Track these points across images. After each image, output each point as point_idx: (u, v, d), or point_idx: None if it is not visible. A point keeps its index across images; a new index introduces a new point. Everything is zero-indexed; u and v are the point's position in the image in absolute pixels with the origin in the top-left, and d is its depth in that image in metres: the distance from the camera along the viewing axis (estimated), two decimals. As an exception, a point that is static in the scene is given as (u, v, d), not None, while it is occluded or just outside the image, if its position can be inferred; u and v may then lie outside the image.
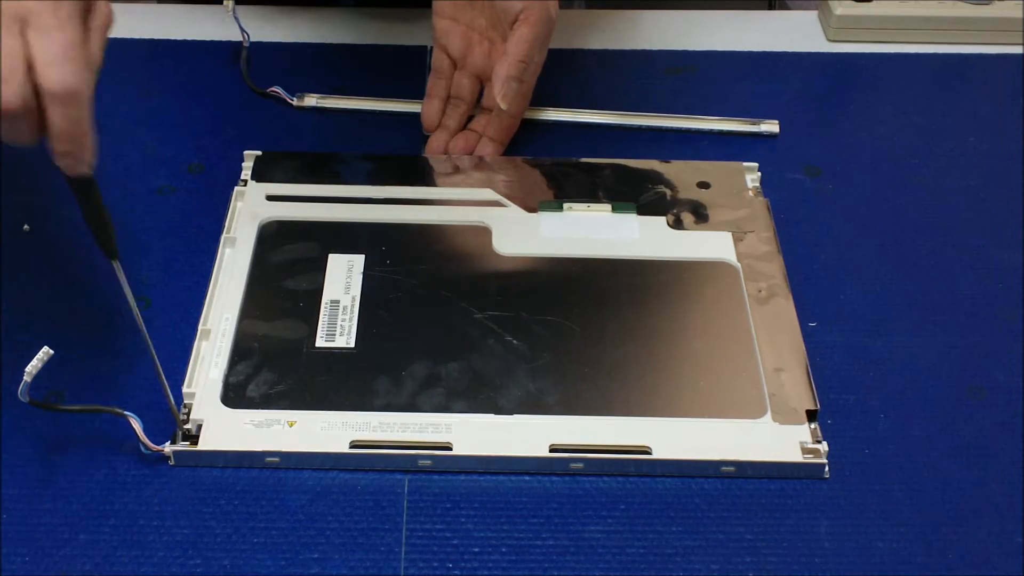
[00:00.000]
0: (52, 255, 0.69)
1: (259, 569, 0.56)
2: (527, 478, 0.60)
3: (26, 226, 0.70)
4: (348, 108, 0.81)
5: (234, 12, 0.80)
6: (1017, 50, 0.88)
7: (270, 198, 0.72)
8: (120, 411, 0.59)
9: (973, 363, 0.66)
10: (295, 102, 0.81)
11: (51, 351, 0.54)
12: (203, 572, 0.56)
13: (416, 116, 0.79)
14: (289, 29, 0.87)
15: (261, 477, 0.59)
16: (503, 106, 0.73)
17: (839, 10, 0.87)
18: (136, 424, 0.59)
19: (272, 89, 0.81)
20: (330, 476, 0.59)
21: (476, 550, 0.57)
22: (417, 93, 0.81)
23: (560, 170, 0.75)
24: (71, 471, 0.59)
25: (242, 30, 0.82)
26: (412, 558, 0.56)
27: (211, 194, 0.72)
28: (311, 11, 0.88)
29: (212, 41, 0.85)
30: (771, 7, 1.00)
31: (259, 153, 0.75)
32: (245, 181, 0.73)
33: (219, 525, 0.57)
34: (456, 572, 0.56)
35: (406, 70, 0.84)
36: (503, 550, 0.57)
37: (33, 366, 0.54)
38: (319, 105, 0.81)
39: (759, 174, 0.75)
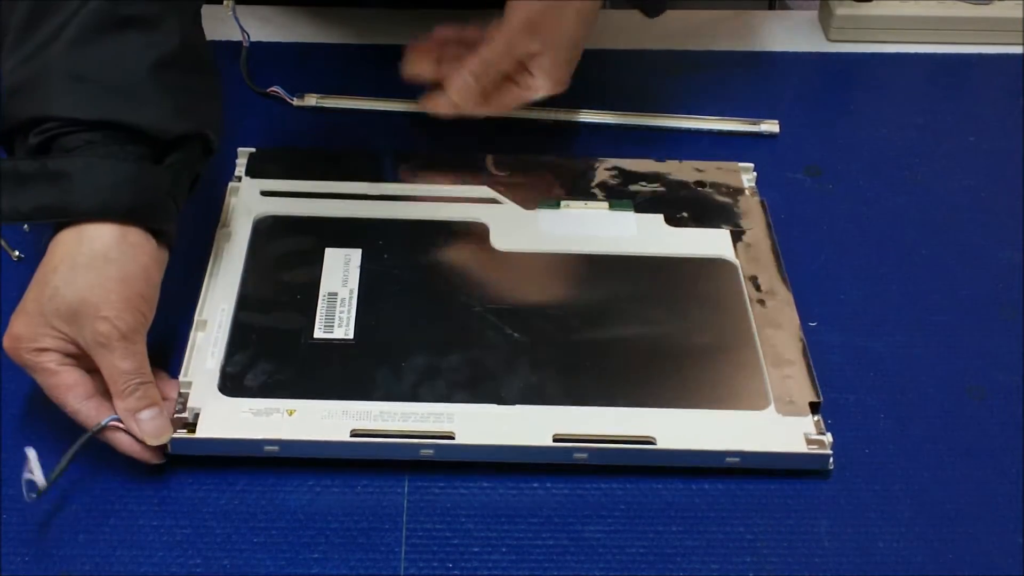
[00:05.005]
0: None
1: (259, 569, 0.56)
2: (527, 483, 0.60)
3: (26, 226, 0.70)
4: (348, 108, 0.81)
5: (234, 12, 0.80)
6: (1017, 50, 0.88)
7: (264, 193, 0.72)
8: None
9: (973, 363, 0.66)
10: (295, 102, 0.81)
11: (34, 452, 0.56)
12: (203, 572, 0.56)
13: (415, 116, 0.80)
14: (289, 29, 0.87)
15: (261, 477, 0.59)
16: (451, 96, 0.71)
17: (839, 10, 0.87)
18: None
19: (272, 89, 0.81)
20: (330, 476, 0.59)
21: (476, 550, 0.57)
22: (417, 93, 0.81)
23: (557, 168, 0.76)
24: (71, 471, 0.59)
25: (242, 30, 0.82)
26: (412, 558, 0.56)
27: (210, 194, 0.72)
28: (311, 11, 0.88)
29: (212, 41, 0.84)
30: (771, 7, 1.00)
31: (253, 150, 0.75)
32: (239, 177, 0.73)
33: (219, 525, 0.57)
34: (456, 572, 0.56)
35: (406, 70, 0.84)
36: (503, 550, 0.57)
37: (28, 471, 0.56)
38: (319, 105, 0.81)
39: (755, 174, 0.75)
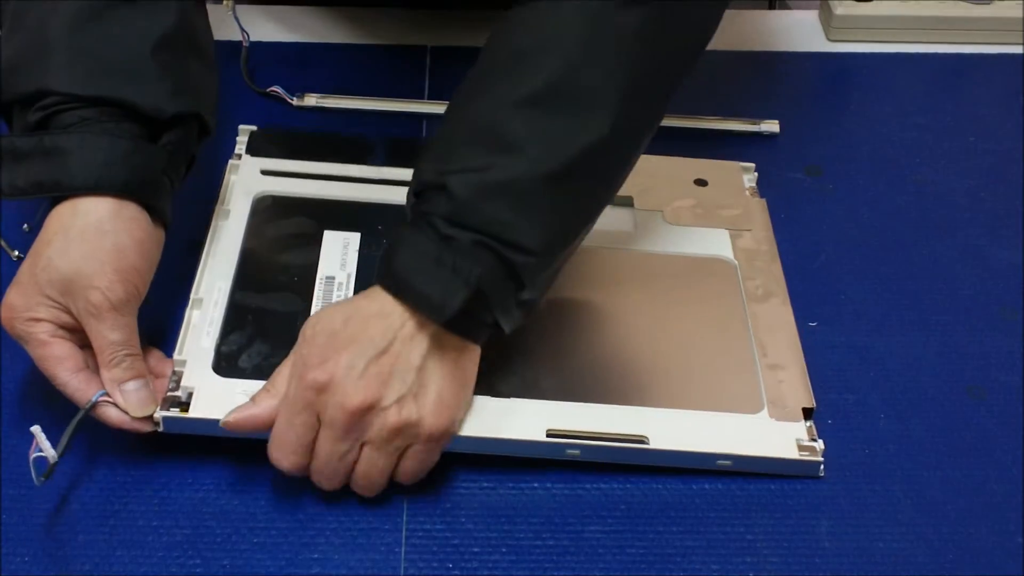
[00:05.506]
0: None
1: (259, 569, 0.56)
2: (527, 483, 0.60)
3: (26, 226, 0.70)
4: (348, 108, 0.81)
5: (234, 12, 0.80)
6: (1017, 50, 0.88)
7: (265, 173, 0.72)
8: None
9: (973, 363, 0.66)
10: (295, 102, 0.81)
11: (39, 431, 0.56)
12: (203, 572, 0.56)
13: (416, 116, 0.79)
14: (289, 29, 0.87)
15: (261, 477, 0.59)
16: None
17: (839, 10, 0.87)
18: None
19: (272, 89, 0.81)
20: (330, 476, 0.59)
21: (476, 550, 0.57)
22: (417, 93, 0.81)
23: None
24: (71, 471, 0.59)
25: (242, 30, 0.82)
26: (412, 558, 0.56)
27: (210, 193, 0.72)
28: (311, 11, 0.88)
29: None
30: (771, 7, 1.00)
31: (254, 128, 0.75)
32: (240, 155, 0.73)
33: (219, 525, 0.57)
34: (456, 572, 0.56)
35: (406, 70, 0.84)
36: (503, 550, 0.57)
37: (37, 449, 0.55)
38: (319, 105, 0.81)
39: (756, 174, 0.75)
